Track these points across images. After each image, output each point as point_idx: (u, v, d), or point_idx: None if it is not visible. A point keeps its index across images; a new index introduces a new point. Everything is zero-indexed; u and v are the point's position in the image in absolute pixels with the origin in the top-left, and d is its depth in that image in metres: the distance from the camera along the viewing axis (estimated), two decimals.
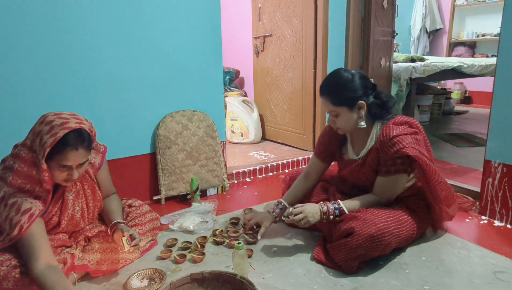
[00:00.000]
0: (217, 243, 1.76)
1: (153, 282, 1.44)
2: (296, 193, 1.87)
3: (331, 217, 1.58)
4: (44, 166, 1.29)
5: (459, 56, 6.08)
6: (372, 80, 1.68)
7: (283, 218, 1.71)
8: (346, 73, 1.62)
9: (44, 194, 1.33)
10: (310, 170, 1.91)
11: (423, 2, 6.30)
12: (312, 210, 1.59)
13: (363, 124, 1.61)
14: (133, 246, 1.47)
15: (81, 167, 1.38)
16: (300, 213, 1.58)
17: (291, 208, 1.64)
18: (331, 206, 1.60)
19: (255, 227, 1.87)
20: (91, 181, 1.56)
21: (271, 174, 2.90)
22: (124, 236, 1.46)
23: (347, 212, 1.58)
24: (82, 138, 1.32)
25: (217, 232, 1.85)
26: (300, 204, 1.63)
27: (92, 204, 1.57)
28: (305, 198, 1.87)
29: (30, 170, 1.32)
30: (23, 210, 1.26)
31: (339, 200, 1.63)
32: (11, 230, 1.24)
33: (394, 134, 1.54)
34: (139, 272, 1.48)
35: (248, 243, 1.75)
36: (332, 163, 1.92)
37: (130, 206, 1.76)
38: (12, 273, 1.23)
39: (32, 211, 1.27)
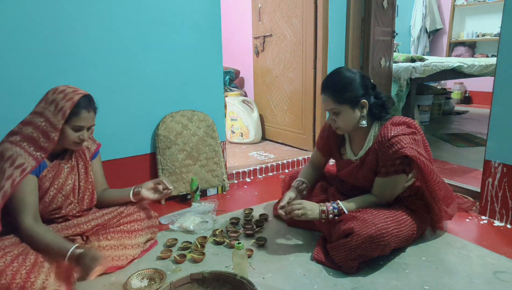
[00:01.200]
0: (217, 243, 1.76)
1: (153, 282, 1.44)
2: (307, 173, 1.91)
3: (330, 215, 1.59)
4: (60, 126, 1.39)
5: (459, 56, 6.08)
6: (372, 80, 1.69)
7: (279, 211, 1.68)
8: (348, 72, 1.62)
9: (40, 152, 1.40)
10: (314, 160, 1.97)
11: (423, 2, 6.30)
12: (311, 205, 1.60)
13: (364, 123, 1.61)
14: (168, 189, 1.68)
15: (89, 131, 1.51)
16: (299, 204, 1.60)
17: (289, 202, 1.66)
18: (330, 205, 1.60)
19: (255, 227, 1.88)
20: (86, 160, 1.62)
21: (271, 174, 2.90)
22: (158, 182, 1.68)
23: (346, 212, 1.58)
24: (92, 102, 1.49)
25: (217, 232, 1.85)
26: (299, 200, 1.65)
27: (83, 185, 1.59)
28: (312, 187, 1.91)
29: (33, 131, 1.41)
30: (16, 165, 1.33)
31: (338, 200, 1.63)
32: (3, 182, 1.30)
33: (393, 134, 1.54)
34: (139, 272, 1.48)
35: (247, 235, 1.79)
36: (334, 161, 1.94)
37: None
38: (10, 267, 1.24)
39: (24, 166, 1.34)
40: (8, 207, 1.36)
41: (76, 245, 1.33)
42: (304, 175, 1.90)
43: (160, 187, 1.70)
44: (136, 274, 1.47)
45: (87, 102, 1.46)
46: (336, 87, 1.59)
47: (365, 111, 1.60)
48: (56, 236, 1.39)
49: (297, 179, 1.87)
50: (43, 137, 1.40)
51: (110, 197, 1.70)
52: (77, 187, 1.57)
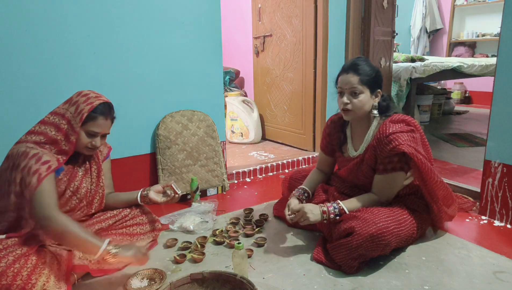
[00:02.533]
0: (217, 243, 1.76)
1: (153, 282, 1.44)
2: (311, 179, 1.90)
3: (332, 216, 1.59)
4: (78, 129, 1.40)
5: (459, 56, 6.08)
6: None
7: (287, 217, 1.69)
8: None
9: (61, 155, 1.41)
10: (320, 163, 1.97)
11: (423, 2, 6.30)
12: (311, 208, 1.59)
13: (376, 112, 1.66)
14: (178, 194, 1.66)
15: (103, 139, 1.52)
16: (299, 209, 1.60)
17: (291, 207, 1.66)
18: (331, 205, 1.60)
19: (255, 227, 1.88)
20: (99, 164, 1.61)
21: (271, 174, 2.90)
22: (167, 186, 1.66)
23: (347, 212, 1.58)
24: (111, 110, 1.50)
25: (217, 232, 1.85)
26: (300, 204, 1.64)
27: (94, 189, 1.58)
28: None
29: (56, 134, 1.41)
30: (42, 161, 1.33)
31: (338, 200, 1.63)
32: (30, 177, 1.29)
33: (391, 131, 1.55)
34: (139, 272, 1.48)
35: (247, 235, 1.80)
36: None
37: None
38: (11, 268, 1.24)
39: (50, 163, 1.34)
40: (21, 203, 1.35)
41: (109, 239, 1.35)
42: (307, 182, 1.89)
43: (169, 191, 1.69)
44: (136, 274, 1.47)
45: (106, 109, 1.46)
46: (365, 68, 1.63)
47: (377, 101, 1.66)
48: (83, 229, 1.37)
49: (299, 187, 1.85)
50: (65, 140, 1.41)
51: (115, 199, 1.68)
52: (89, 190, 1.57)
